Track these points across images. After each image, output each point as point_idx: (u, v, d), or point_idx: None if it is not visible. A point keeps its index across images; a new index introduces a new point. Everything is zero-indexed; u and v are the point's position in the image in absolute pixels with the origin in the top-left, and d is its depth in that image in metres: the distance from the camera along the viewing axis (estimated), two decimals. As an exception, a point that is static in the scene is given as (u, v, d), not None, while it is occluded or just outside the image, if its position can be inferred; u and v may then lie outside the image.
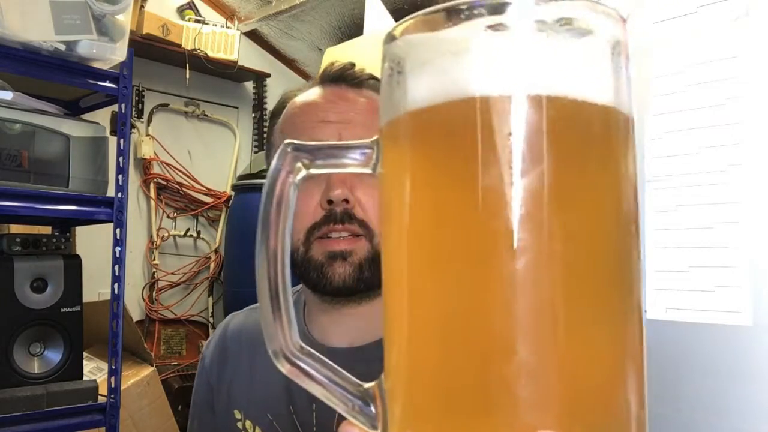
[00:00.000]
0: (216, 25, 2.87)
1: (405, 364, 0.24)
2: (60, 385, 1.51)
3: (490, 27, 0.22)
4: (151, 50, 2.65)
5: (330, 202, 0.68)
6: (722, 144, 1.64)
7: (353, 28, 2.84)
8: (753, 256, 1.55)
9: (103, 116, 1.82)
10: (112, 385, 1.58)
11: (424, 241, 0.23)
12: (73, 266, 1.57)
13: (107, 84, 1.62)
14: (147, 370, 2.11)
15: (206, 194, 3.01)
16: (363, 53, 2.41)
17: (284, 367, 0.26)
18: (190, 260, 2.99)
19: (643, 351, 0.24)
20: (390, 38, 0.24)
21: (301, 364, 0.26)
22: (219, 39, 2.83)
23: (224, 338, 0.87)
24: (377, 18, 2.40)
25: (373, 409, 0.25)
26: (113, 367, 1.60)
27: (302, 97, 0.77)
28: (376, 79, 0.79)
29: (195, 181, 2.97)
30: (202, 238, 3.03)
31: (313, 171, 0.27)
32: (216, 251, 3.02)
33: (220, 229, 3.04)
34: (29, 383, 1.48)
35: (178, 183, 2.94)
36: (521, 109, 0.22)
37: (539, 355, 0.21)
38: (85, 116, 1.78)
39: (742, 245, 1.57)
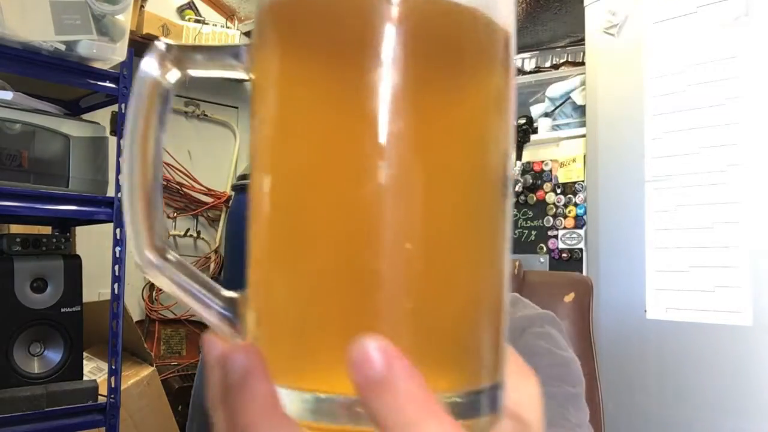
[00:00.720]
0: (216, 25, 2.86)
1: (263, 276, 0.23)
2: (60, 385, 1.51)
3: None
4: (151, 50, 2.64)
5: None
6: (722, 144, 1.65)
7: (353, 28, 2.83)
8: (753, 256, 1.55)
9: (103, 116, 1.81)
10: (112, 385, 1.58)
11: (279, 146, 0.23)
12: (73, 266, 1.57)
13: (107, 84, 1.62)
14: (147, 370, 2.10)
15: (206, 194, 3.01)
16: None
17: (145, 263, 0.24)
18: (190, 260, 2.97)
19: (502, 293, 0.23)
20: None
21: (164, 266, 0.24)
22: (219, 39, 2.83)
23: None
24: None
25: (234, 317, 0.24)
26: (113, 367, 1.60)
27: None
28: None
29: (195, 181, 2.97)
30: (202, 238, 3.03)
31: (191, 72, 0.25)
32: (216, 251, 3.02)
33: (220, 229, 3.04)
34: (29, 383, 1.48)
35: (178, 183, 2.94)
36: (378, 9, 0.20)
37: (390, 268, 0.21)
38: (85, 116, 1.78)
39: (742, 245, 1.57)
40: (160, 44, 0.24)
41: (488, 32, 0.22)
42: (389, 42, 0.20)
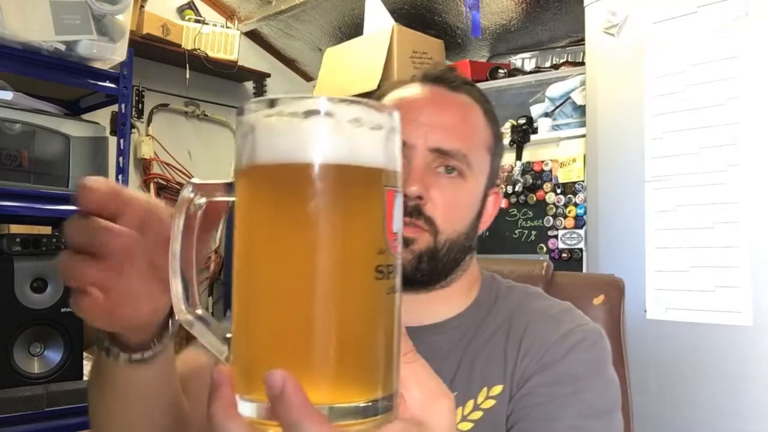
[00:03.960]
0: (216, 25, 2.87)
1: (235, 327, 0.37)
2: (60, 385, 1.51)
3: (306, 113, 0.34)
4: (151, 50, 2.65)
5: (405, 195, 0.72)
6: (722, 144, 1.65)
7: (353, 28, 2.83)
8: (753, 256, 1.55)
9: (103, 116, 1.81)
10: (112, 385, 1.58)
11: (249, 255, 0.36)
12: (73, 266, 1.57)
13: (107, 84, 1.62)
14: (147, 370, 2.10)
15: (206, 194, 3.00)
16: (363, 53, 2.40)
17: (182, 319, 0.39)
18: (190, 260, 2.98)
19: (384, 339, 0.36)
20: (241, 111, 0.36)
21: (193, 321, 0.39)
22: (219, 39, 2.83)
23: None
24: (377, 18, 2.39)
25: (228, 350, 0.38)
26: (113, 367, 1.59)
27: (399, 93, 0.81)
28: (471, 84, 0.84)
29: (195, 181, 2.96)
30: (202, 238, 3.03)
31: (211, 199, 0.40)
32: (216, 251, 3.02)
33: (220, 229, 3.04)
34: (29, 383, 1.48)
35: (178, 183, 2.94)
36: (305, 172, 0.34)
37: (296, 327, 0.34)
38: (85, 116, 1.78)
39: (742, 245, 1.57)
40: (190, 185, 0.40)
41: (363, 176, 0.35)
42: (302, 193, 0.34)
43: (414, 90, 0.80)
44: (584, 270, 2.00)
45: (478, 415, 0.72)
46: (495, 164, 0.83)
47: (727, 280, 1.59)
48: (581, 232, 2.06)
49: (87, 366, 1.76)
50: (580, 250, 2.06)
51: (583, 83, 2.09)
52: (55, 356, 1.54)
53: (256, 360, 0.35)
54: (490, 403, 0.73)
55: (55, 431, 1.47)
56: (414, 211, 0.73)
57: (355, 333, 0.35)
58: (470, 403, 0.73)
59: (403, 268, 0.72)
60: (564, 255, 2.09)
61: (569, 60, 2.54)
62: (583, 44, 2.03)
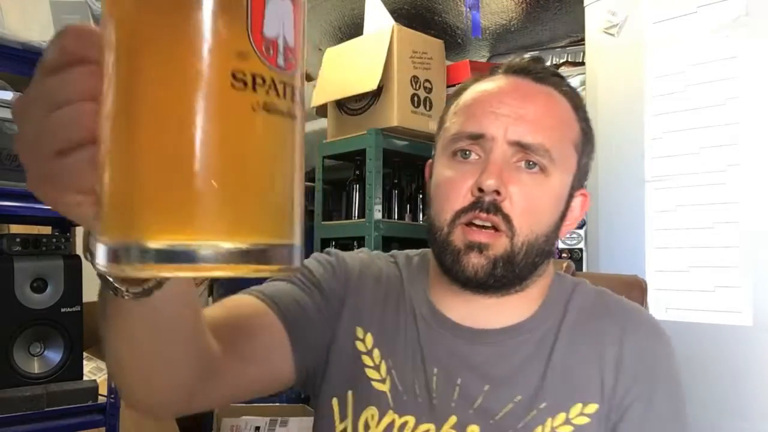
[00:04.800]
0: (216, 25, 2.86)
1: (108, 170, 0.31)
2: (60, 385, 1.51)
3: None
4: (151, 50, 2.64)
5: (481, 190, 0.69)
6: (722, 144, 1.65)
7: (353, 28, 2.83)
8: (753, 256, 1.55)
9: (103, 116, 1.81)
10: (112, 385, 1.58)
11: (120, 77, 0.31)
12: (73, 266, 1.57)
13: (107, 84, 1.62)
14: (147, 370, 2.10)
15: (206, 194, 2.99)
16: (363, 53, 2.40)
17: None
18: (190, 260, 2.97)
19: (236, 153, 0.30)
20: None
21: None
22: (219, 39, 2.82)
23: (364, 266, 0.84)
24: (377, 18, 2.39)
25: None
26: (113, 367, 1.59)
27: (482, 85, 0.77)
28: (559, 76, 0.79)
29: (195, 181, 2.96)
30: (202, 238, 3.02)
31: None
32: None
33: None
34: (29, 383, 1.48)
35: (178, 183, 2.93)
36: None
37: (156, 153, 0.29)
38: (85, 116, 1.78)
39: (742, 245, 1.57)
40: None
41: None
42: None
43: (496, 81, 0.76)
44: (584, 270, 2.00)
45: (568, 429, 0.70)
46: (583, 163, 0.78)
47: (726, 280, 1.59)
48: (581, 232, 2.06)
49: (87, 366, 1.76)
50: (580, 250, 2.06)
51: (583, 83, 2.09)
52: (55, 356, 1.54)
53: (109, 194, 0.30)
54: (584, 420, 0.70)
55: (55, 431, 1.47)
56: (491, 207, 0.69)
57: (198, 151, 0.28)
58: (562, 416, 0.70)
59: (475, 273, 0.70)
60: (564, 255, 2.09)
61: (569, 60, 2.54)
62: (583, 44, 2.03)
